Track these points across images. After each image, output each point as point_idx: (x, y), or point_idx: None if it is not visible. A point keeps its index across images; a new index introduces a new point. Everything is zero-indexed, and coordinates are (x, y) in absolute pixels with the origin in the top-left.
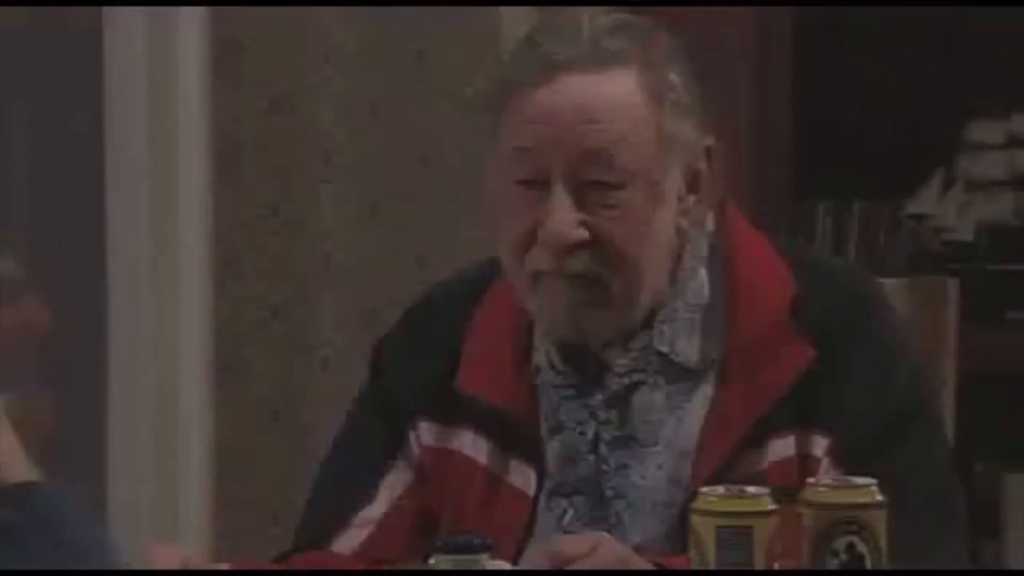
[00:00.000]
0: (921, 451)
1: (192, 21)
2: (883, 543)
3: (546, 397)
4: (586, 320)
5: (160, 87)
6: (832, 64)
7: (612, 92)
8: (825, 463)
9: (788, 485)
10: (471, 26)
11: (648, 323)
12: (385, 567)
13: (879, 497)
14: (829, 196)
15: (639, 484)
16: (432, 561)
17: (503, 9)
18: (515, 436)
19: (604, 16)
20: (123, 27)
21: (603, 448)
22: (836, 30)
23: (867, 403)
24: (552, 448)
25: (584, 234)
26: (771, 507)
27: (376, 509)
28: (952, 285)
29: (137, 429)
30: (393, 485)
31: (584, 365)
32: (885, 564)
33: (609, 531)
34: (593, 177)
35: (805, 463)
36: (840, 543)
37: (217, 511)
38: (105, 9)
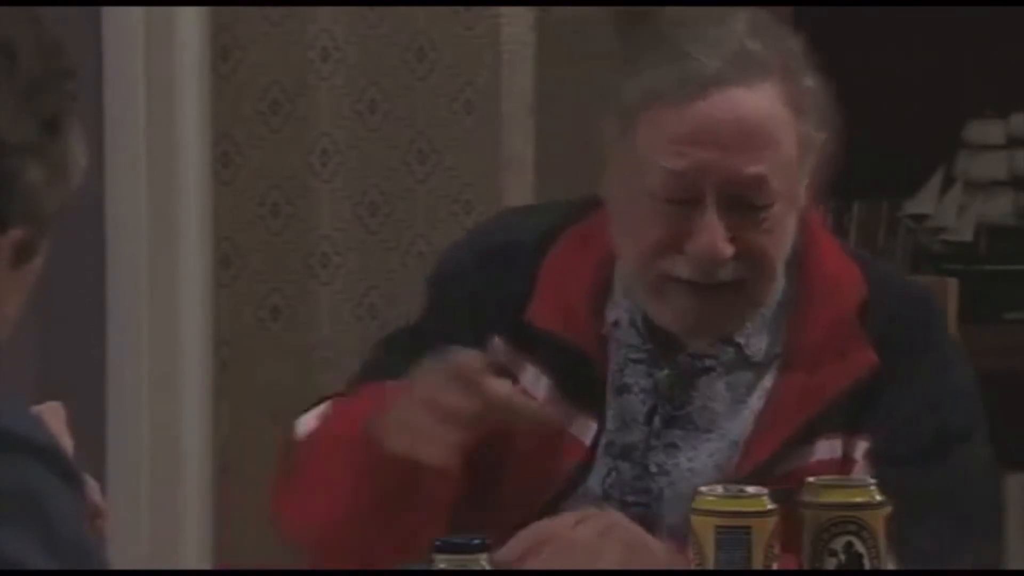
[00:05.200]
0: (959, 472)
1: (191, 21)
2: (881, 543)
3: (615, 353)
4: (713, 325)
5: (159, 87)
6: (831, 64)
7: (762, 110)
8: (860, 464)
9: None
10: (471, 25)
11: None
12: (384, 568)
13: (878, 497)
14: (829, 196)
15: (686, 466)
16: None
17: (504, 8)
18: (579, 382)
19: (741, 15)
20: (122, 27)
21: (657, 422)
22: (835, 30)
23: (916, 413)
24: (612, 405)
25: (733, 250)
26: (770, 507)
27: None
28: (951, 285)
29: (136, 430)
30: None
31: (662, 336)
32: (883, 564)
33: (647, 504)
34: (746, 201)
35: (846, 466)
36: (838, 543)
37: (217, 511)
38: (104, 9)
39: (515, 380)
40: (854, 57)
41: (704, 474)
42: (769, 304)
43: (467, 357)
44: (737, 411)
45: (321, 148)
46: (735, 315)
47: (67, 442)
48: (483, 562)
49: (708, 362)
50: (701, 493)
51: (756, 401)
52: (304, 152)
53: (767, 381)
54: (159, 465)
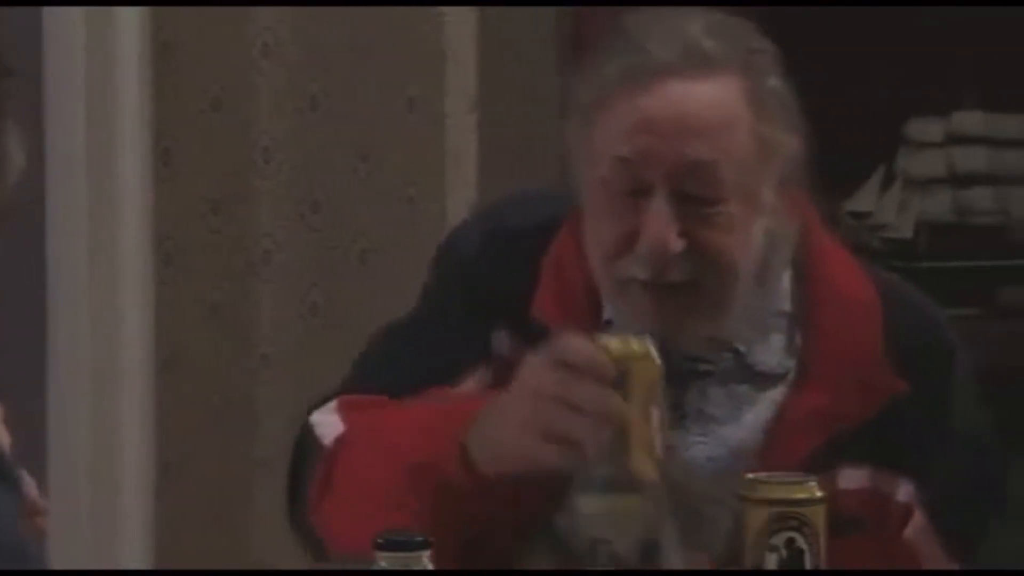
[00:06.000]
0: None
1: (130, 19)
2: (822, 538)
3: None
4: (675, 327)
5: (99, 85)
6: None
7: (715, 101)
8: (917, 514)
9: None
10: (413, 23)
11: (728, 312)
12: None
13: (819, 493)
14: None
15: (685, 470)
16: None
17: (446, 7)
18: None
19: (700, 16)
20: (62, 26)
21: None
22: (776, 27)
23: (965, 459)
24: None
25: (683, 245)
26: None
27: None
28: None
29: (76, 427)
30: (479, 379)
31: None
32: (823, 560)
33: None
34: (694, 192)
35: (885, 503)
36: (779, 538)
37: (158, 512)
38: (44, 9)
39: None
40: (794, 54)
41: (704, 479)
42: (739, 309)
43: (581, 344)
44: (737, 419)
45: (263, 146)
46: (696, 318)
47: (3, 440)
48: (425, 560)
49: (703, 367)
50: None
51: (763, 413)
52: (246, 150)
53: (776, 395)
54: (100, 463)
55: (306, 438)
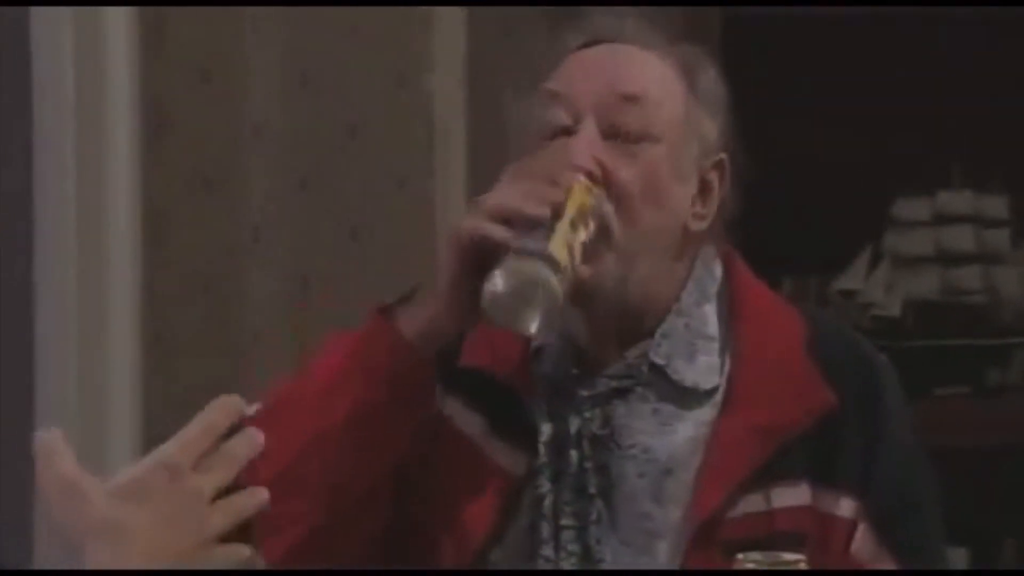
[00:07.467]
0: (938, 522)
1: (122, 92)
2: None
3: (544, 382)
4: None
5: (90, 160)
6: (760, 140)
7: (651, 61)
8: (862, 529)
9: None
10: (403, 100)
11: (649, 334)
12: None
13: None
14: (758, 272)
15: (619, 488)
16: None
17: (435, 85)
18: (509, 414)
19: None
20: (52, 105)
21: (585, 445)
22: (764, 107)
23: (901, 466)
24: (544, 432)
25: (598, 170)
26: None
27: None
28: None
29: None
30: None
31: (581, 360)
32: None
33: (584, 527)
34: (621, 120)
35: (826, 520)
36: None
37: None
38: (36, 82)
39: (449, 421)
40: (784, 135)
41: (637, 500)
42: (696, 332)
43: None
44: (664, 435)
45: (253, 224)
46: (600, 257)
47: None
48: None
49: (626, 382)
50: None
51: (690, 430)
52: (236, 228)
53: (704, 414)
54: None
55: None
